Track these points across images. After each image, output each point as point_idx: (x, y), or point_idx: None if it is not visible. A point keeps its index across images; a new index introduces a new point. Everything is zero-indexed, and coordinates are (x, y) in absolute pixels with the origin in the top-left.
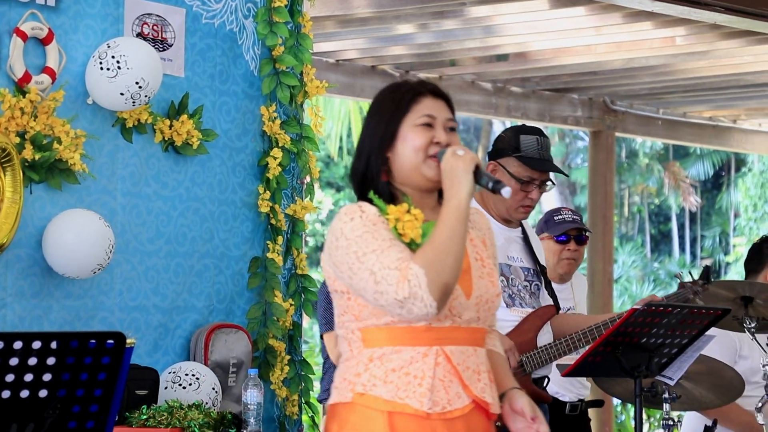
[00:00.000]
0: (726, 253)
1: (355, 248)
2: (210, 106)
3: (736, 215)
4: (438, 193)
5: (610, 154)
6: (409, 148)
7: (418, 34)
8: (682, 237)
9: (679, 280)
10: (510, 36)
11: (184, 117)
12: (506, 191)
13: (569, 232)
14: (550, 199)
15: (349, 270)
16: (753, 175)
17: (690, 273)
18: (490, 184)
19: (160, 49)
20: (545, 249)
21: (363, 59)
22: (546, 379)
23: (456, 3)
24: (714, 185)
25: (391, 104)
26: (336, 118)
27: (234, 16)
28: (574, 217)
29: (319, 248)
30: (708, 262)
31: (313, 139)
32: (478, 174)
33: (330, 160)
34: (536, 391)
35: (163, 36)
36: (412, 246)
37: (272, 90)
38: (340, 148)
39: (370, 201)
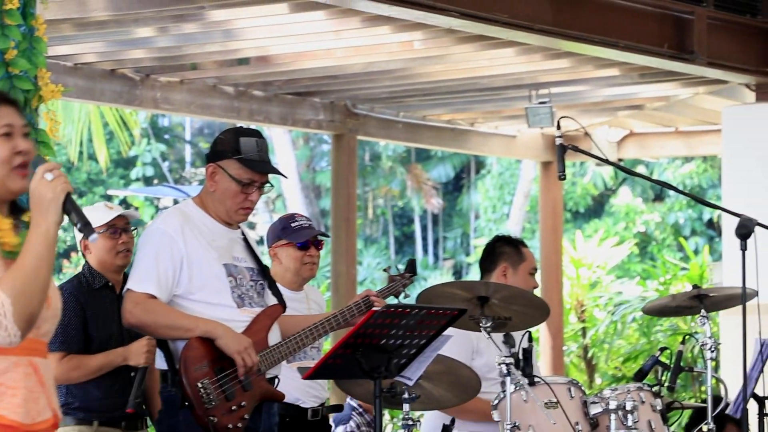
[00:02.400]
0: (467, 253)
1: None
2: None
3: (477, 216)
4: (11, 202)
5: (353, 157)
6: None
7: (157, 38)
8: (425, 238)
9: (388, 274)
10: (251, 40)
11: None
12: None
13: (310, 238)
14: (295, 203)
15: None
16: (492, 177)
17: (397, 267)
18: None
19: None
20: (284, 256)
21: (102, 63)
22: (276, 379)
23: (195, 6)
24: (455, 187)
25: None
26: (76, 123)
27: None
28: (310, 223)
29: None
30: (450, 263)
31: (49, 143)
32: (67, 206)
33: (71, 165)
34: (270, 389)
35: None
36: (14, 256)
37: None
38: (81, 152)
39: None
